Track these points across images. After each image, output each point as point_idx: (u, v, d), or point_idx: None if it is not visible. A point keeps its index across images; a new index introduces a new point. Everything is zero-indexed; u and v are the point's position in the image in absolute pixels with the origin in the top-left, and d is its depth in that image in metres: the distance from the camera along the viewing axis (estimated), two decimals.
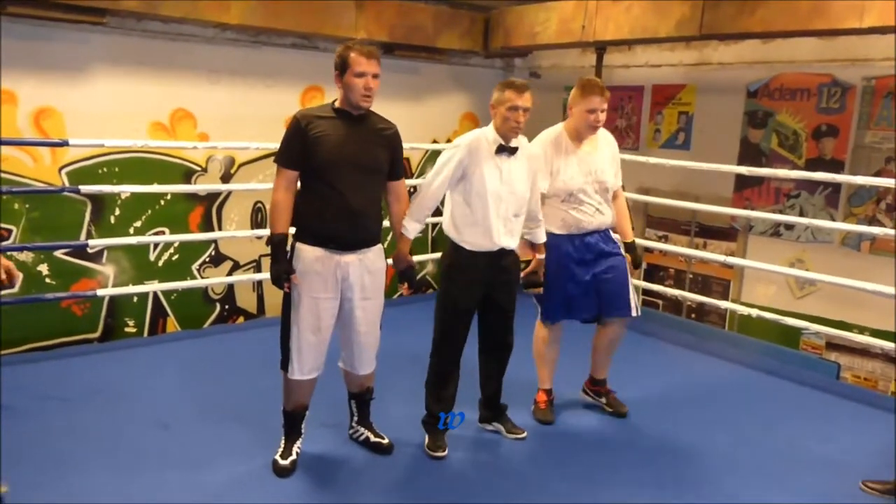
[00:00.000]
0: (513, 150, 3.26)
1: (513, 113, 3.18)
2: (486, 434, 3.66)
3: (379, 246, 3.16)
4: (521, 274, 3.54)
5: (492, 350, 3.55)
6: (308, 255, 3.01)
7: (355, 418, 3.48)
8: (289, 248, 3.07)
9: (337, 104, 3.02)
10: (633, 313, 3.73)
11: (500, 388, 3.65)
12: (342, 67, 2.93)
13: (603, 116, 3.49)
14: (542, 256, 3.52)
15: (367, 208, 3.03)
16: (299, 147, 2.96)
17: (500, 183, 3.22)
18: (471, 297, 3.36)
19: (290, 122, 3.01)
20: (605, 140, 3.70)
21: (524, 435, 3.61)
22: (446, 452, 3.41)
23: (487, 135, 3.26)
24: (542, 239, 3.51)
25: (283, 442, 3.25)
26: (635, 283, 5.39)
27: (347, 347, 3.24)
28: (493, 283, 3.35)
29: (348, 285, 3.06)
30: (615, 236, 3.78)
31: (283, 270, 2.99)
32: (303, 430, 3.29)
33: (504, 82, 3.28)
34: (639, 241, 5.45)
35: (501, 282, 3.37)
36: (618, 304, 3.70)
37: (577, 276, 3.63)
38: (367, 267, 3.09)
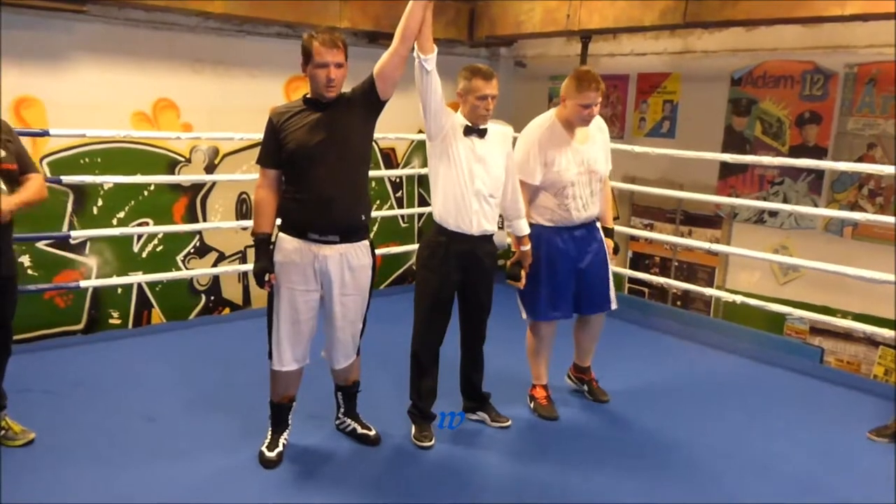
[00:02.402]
0: (482, 132, 3.27)
1: (482, 101, 3.19)
2: (471, 424, 3.66)
3: (365, 242, 3.10)
4: (507, 264, 3.56)
5: (470, 340, 3.56)
6: (287, 245, 3.00)
7: (342, 410, 3.47)
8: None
9: (308, 95, 3.00)
10: (612, 307, 3.79)
11: (481, 376, 3.65)
12: (306, 58, 2.90)
13: (597, 110, 3.47)
14: (527, 248, 3.50)
15: (342, 192, 2.96)
16: (274, 145, 2.97)
17: (475, 160, 3.23)
18: (449, 287, 3.36)
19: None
20: (596, 126, 3.64)
21: (509, 423, 3.63)
22: (433, 442, 3.41)
23: (458, 119, 3.28)
24: (525, 231, 3.49)
25: (269, 434, 3.25)
26: (620, 271, 5.43)
27: (327, 340, 3.23)
28: (469, 271, 3.35)
29: (328, 279, 3.03)
30: (599, 226, 3.78)
31: (262, 268, 2.98)
32: (290, 422, 3.28)
33: (470, 69, 3.25)
34: (625, 229, 5.52)
35: (478, 271, 3.37)
36: (598, 300, 3.75)
37: (563, 271, 3.62)
38: (349, 262, 3.03)
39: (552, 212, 3.58)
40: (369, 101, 3.00)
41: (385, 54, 2.95)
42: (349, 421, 3.46)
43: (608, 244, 3.77)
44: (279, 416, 3.25)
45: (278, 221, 3.08)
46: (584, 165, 3.53)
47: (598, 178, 3.62)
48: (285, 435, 3.26)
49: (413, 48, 2.98)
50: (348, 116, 2.98)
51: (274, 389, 3.21)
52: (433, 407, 3.51)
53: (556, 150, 3.49)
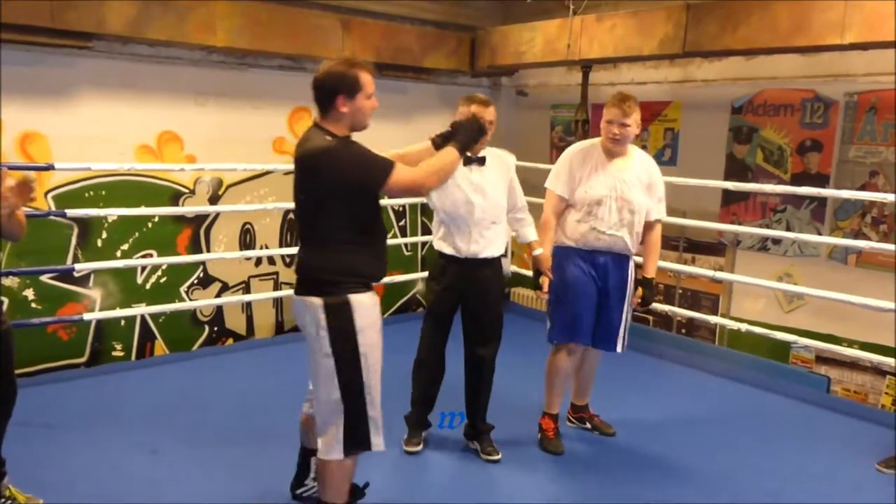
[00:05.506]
0: (481, 160, 3.30)
1: None
2: (469, 453, 3.66)
3: None
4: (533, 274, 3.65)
5: (472, 365, 3.56)
6: (367, 300, 2.65)
7: (312, 475, 3.06)
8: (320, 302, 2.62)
9: (343, 132, 2.59)
10: (619, 350, 3.67)
11: (481, 405, 3.62)
12: (351, 89, 2.50)
13: (622, 130, 3.41)
14: (537, 252, 3.55)
15: None
16: None
17: (473, 191, 3.29)
18: (444, 305, 3.45)
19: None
20: (641, 162, 3.57)
21: (498, 458, 3.58)
22: (419, 448, 3.54)
23: None
24: (531, 237, 3.57)
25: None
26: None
27: None
28: (468, 292, 3.39)
29: None
30: (631, 267, 3.68)
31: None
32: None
33: (468, 97, 3.31)
34: None
35: (477, 292, 3.41)
36: (611, 339, 3.64)
37: (583, 295, 3.57)
38: None
39: (573, 231, 3.55)
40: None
41: (409, 179, 2.66)
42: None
43: (638, 293, 3.68)
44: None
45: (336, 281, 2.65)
46: (616, 191, 3.48)
47: (631, 208, 3.49)
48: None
49: None
50: None
51: (343, 487, 2.75)
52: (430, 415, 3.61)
53: (587, 169, 3.51)
